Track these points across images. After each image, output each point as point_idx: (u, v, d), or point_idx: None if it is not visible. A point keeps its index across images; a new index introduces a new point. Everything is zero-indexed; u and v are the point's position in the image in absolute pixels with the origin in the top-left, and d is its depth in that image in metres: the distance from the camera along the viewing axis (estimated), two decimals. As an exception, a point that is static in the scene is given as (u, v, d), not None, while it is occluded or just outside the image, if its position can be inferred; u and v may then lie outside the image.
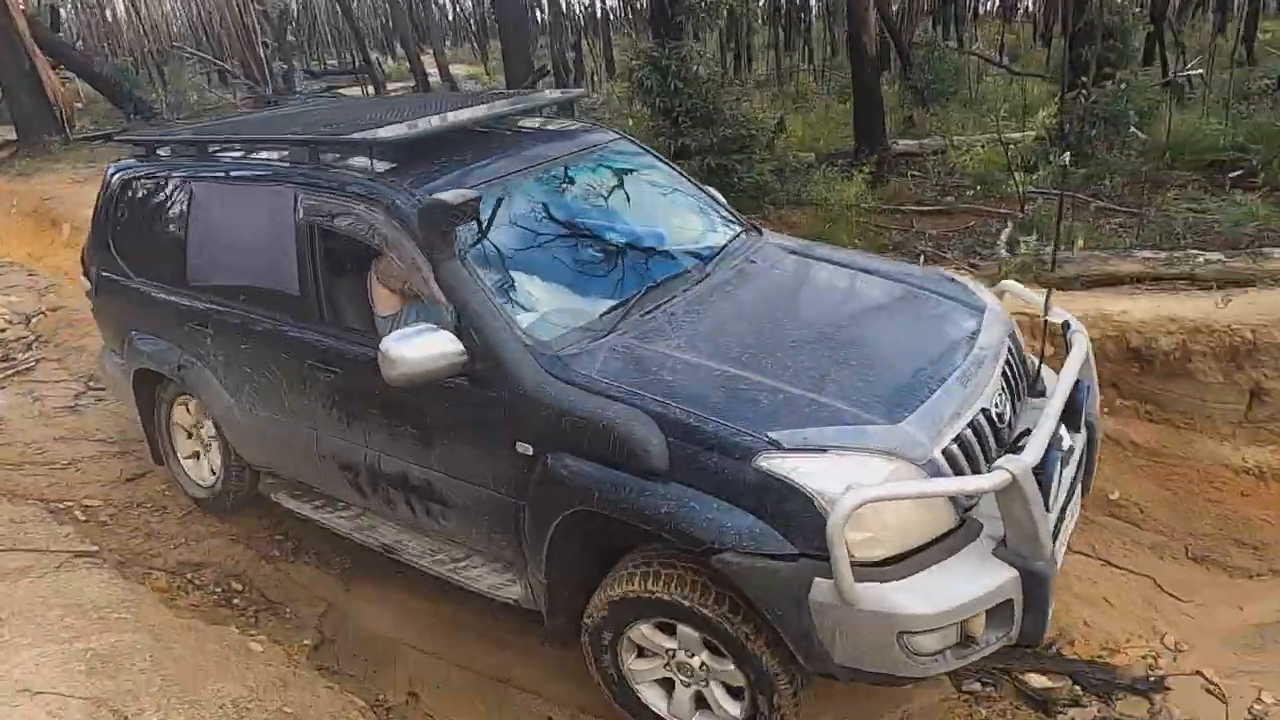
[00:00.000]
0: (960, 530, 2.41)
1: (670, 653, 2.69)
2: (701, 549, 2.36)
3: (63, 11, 21.93)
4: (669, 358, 2.70)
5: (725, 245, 3.46)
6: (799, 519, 2.27)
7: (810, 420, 2.41)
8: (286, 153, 3.41)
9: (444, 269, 2.82)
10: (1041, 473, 2.37)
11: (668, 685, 2.78)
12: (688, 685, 2.73)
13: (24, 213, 9.20)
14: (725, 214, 3.74)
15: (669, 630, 2.65)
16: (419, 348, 2.64)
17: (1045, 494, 2.37)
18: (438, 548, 3.25)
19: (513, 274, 2.97)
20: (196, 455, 4.25)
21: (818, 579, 2.25)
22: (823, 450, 2.33)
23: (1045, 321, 3.02)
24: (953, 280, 3.35)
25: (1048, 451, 2.43)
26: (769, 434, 2.34)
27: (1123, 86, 8.53)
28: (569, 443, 2.58)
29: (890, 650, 2.29)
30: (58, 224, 8.59)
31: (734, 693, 2.65)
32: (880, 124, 8.83)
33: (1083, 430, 2.90)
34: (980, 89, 12.67)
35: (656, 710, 2.79)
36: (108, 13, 26.00)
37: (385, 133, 3.07)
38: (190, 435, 4.23)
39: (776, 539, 2.29)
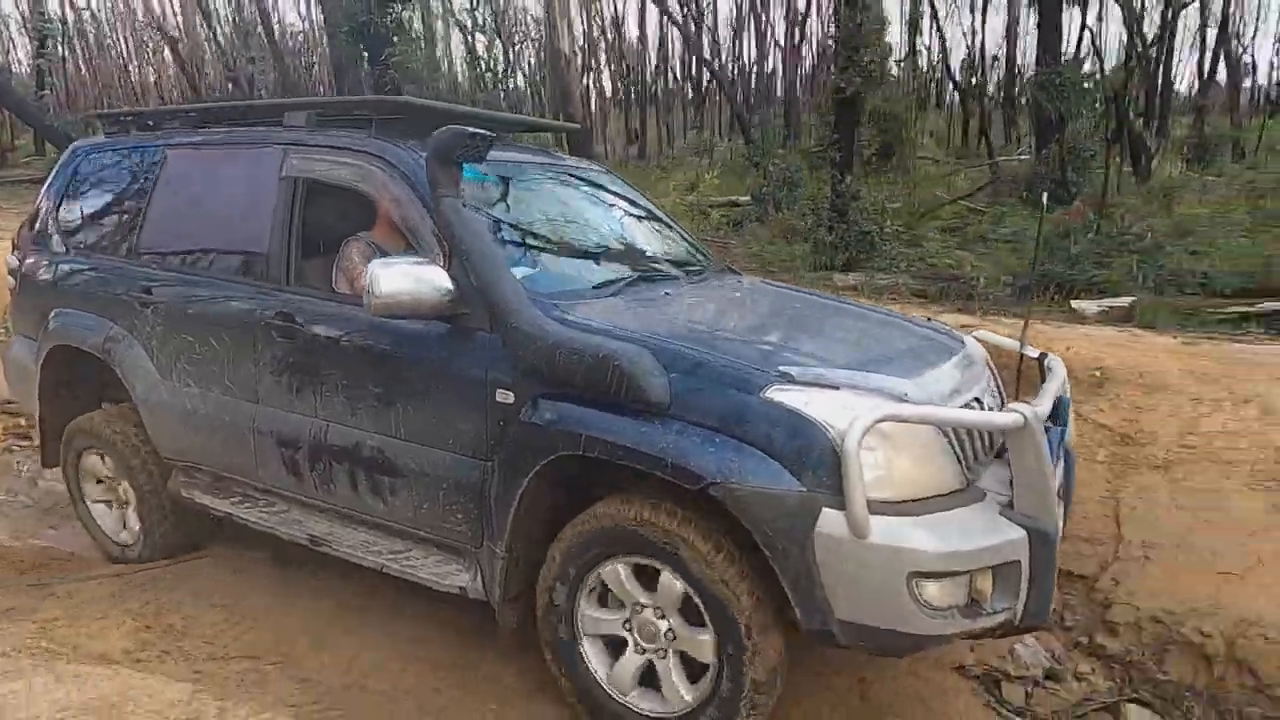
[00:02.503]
0: (966, 492, 2.35)
1: (638, 607, 2.50)
2: (702, 485, 2.25)
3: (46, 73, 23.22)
4: (670, 314, 2.77)
5: (708, 269, 3.66)
6: (809, 452, 2.19)
7: (821, 364, 2.41)
8: (289, 118, 3.41)
9: (445, 204, 2.71)
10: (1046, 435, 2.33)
11: (617, 648, 2.59)
12: (641, 652, 2.53)
13: None
14: (703, 251, 3.93)
15: (648, 582, 2.48)
16: (409, 275, 2.57)
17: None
18: (373, 539, 3.05)
19: (513, 235, 3.06)
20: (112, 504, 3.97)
21: (826, 509, 2.15)
22: (835, 387, 2.30)
23: (1021, 355, 3.09)
24: (929, 320, 3.53)
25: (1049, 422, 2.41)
26: (780, 368, 2.33)
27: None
28: (559, 382, 2.47)
29: (899, 598, 2.15)
30: None
31: (694, 674, 2.45)
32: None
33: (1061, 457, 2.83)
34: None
35: (593, 670, 2.58)
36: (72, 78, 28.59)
37: (401, 101, 3.30)
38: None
39: (784, 474, 2.20)
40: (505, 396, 2.56)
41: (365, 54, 11.73)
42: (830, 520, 2.14)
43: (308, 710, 2.49)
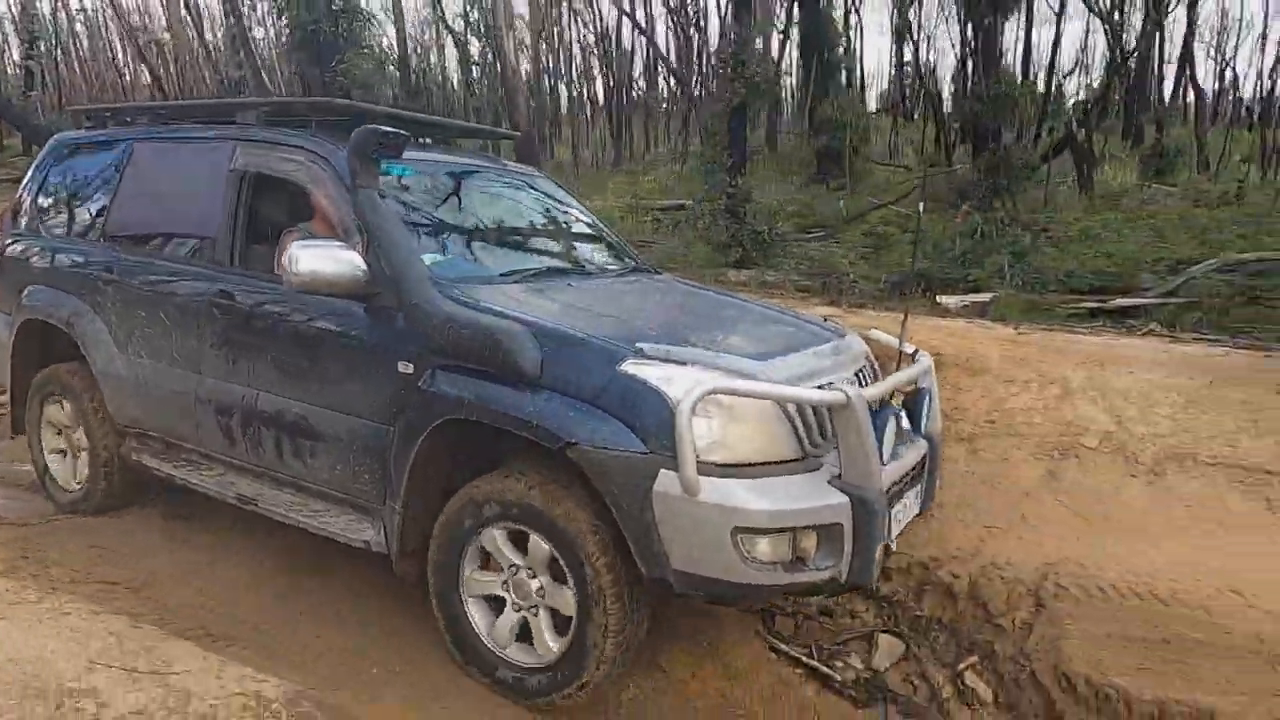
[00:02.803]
0: (801, 461, 2.59)
1: (514, 569, 2.78)
2: (560, 444, 2.52)
3: (36, 74, 23.75)
4: (559, 301, 3.04)
5: (625, 267, 3.97)
6: (652, 418, 2.43)
7: (678, 344, 2.67)
8: (241, 116, 3.70)
9: (362, 194, 3.03)
10: (875, 419, 2.58)
11: (497, 607, 2.87)
12: (517, 609, 2.81)
13: None
14: (629, 253, 4.21)
15: (521, 546, 2.75)
16: (324, 256, 2.87)
17: (879, 439, 2.59)
18: (296, 500, 3.35)
19: (428, 224, 3.36)
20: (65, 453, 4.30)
21: (663, 470, 2.39)
22: (682, 363, 2.56)
23: (901, 351, 3.30)
24: (808, 317, 3.70)
25: (882, 406, 2.70)
26: (636, 344, 2.59)
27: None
28: (450, 354, 2.76)
29: (726, 551, 2.38)
30: None
31: (561, 627, 2.72)
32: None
33: (920, 440, 3.09)
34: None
35: (476, 628, 2.86)
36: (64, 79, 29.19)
37: (335, 102, 3.62)
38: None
39: (630, 436, 2.45)
40: (406, 368, 2.85)
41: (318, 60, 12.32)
42: (667, 480, 2.39)
43: (137, 612, 2.90)
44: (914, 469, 3.00)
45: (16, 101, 19.66)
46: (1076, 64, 25.77)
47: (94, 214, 4.10)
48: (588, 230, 4.23)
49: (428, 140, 4.11)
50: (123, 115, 4.32)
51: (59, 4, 29.78)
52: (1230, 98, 31.10)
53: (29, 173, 4.57)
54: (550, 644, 2.71)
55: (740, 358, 2.69)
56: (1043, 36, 35.60)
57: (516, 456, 2.80)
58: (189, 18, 24.40)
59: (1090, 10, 18.14)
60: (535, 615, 2.75)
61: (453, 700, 2.79)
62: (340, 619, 3.24)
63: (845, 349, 3.18)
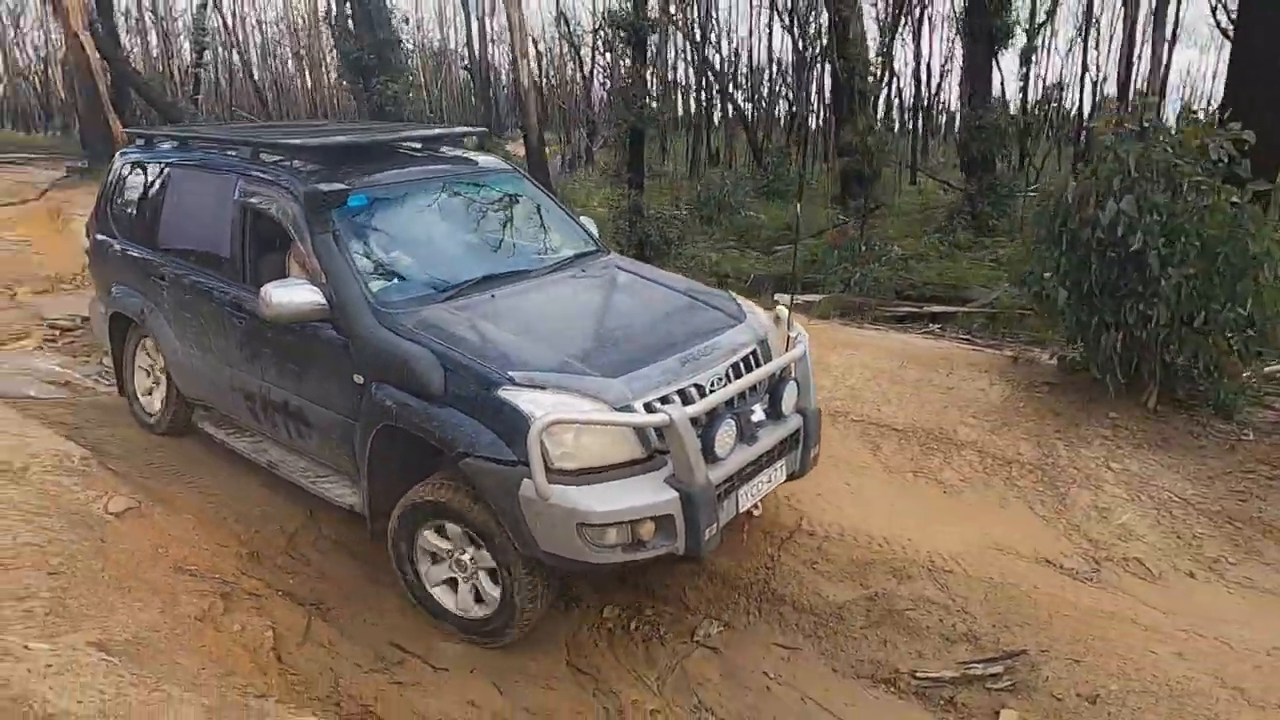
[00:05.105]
0: (646, 462, 3.10)
1: (449, 553, 3.38)
2: (454, 454, 3.07)
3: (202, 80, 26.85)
4: (470, 322, 3.40)
5: (569, 258, 4.28)
6: (520, 434, 2.91)
7: (546, 368, 3.11)
8: (239, 151, 4.23)
9: (318, 239, 3.60)
10: (709, 427, 3.13)
11: (453, 585, 3.46)
12: (466, 580, 3.40)
13: (48, 212, 12.80)
14: (585, 238, 4.55)
15: (443, 533, 3.35)
16: (288, 294, 3.40)
17: (709, 442, 3.10)
18: (307, 466, 4.02)
19: (377, 252, 3.76)
20: (150, 391, 5.04)
21: (526, 480, 2.92)
22: (543, 388, 3.03)
23: (788, 336, 3.79)
24: (730, 298, 4.06)
25: (717, 412, 3.19)
26: (510, 372, 3.07)
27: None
28: (383, 374, 3.33)
29: (574, 539, 2.94)
30: (60, 218, 12.12)
31: (494, 577, 3.30)
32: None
33: (792, 417, 3.60)
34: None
35: (448, 607, 3.45)
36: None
37: (298, 141, 4.03)
38: (149, 380, 5.04)
39: (504, 449, 2.98)
40: (359, 379, 3.43)
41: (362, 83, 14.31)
42: (529, 487, 2.91)
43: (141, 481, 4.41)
44: (778, 446, 3.52)
45: (184, 105, 22.08)
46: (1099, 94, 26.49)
47: (150, 225, 4.66)
48: (538, 223, 4.51)
49: (416, 148, 4.45)
50: (159, 139, 4.95)
51: (236, 20, 33.77)
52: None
53: (103, 182, 5.20)
54: (493, 594, 3.33)
55: (600, 378, 3.10)
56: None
57: (438, 465, 3.36)
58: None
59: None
60: (476, 578, 3.38)
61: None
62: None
63: (725, 343, 3.53)
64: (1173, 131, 4.90)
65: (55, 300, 8.80)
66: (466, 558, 3.36)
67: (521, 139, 16.30)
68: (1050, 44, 24.71)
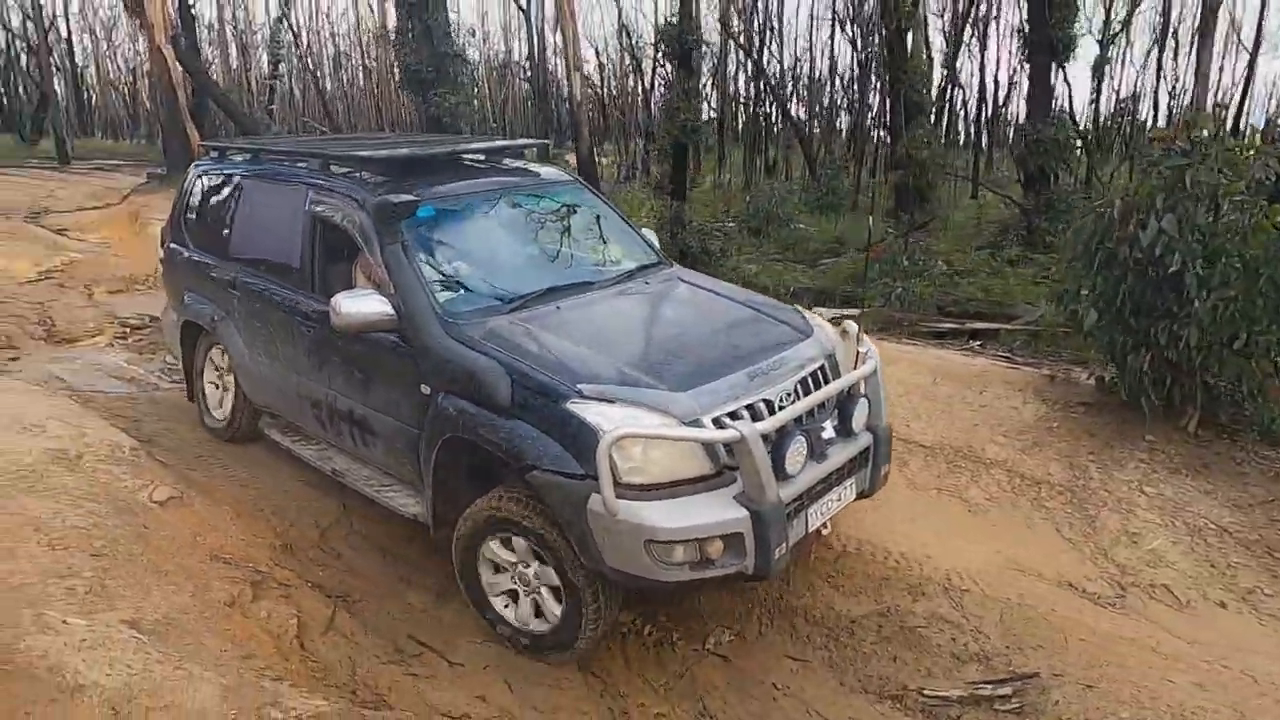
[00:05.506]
0: (716, 478, 3.03)
1: (513, 565, 3.35)
2: (521, 466, 3.04)
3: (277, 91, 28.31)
4: (536, 333, 3.40)
5: (632, 270, 4.24)
6: (587, 448, 2.88)
7: (614, 382, 3.07)
8: (309, 163, 4.31)
9: (388, 250, 3.62)
10: (779, 443, 3.05)
11: (513, 597, 3.44)
12: (527, 594, 3.37)
13: (128, 215, 13.61)
14: (647, 250, 4.53)
15: (509, 545, 3.32)
16: (358, 304, 3.44)
17: (780, 459, 3.03)
18: (371, 474, 4.04)
19: (444, 263, 3.77)
20: (220, 399, 5.08)
21: (594, 494, 2.87)
22: (612, 401, 2.98)
23: (858, 352, 3.72)
24: (796, 311, 3.99)
25: (787, 429, 3.10)
26: (578, 385, 3.04)
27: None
28: (450, 384, 3.33)
29: (642, 556, 2.89)
30: (138, 221, 12.85)
31: (558, 595, 3.26)
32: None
33: (862, 435, 3.54)
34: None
35: (506, 618, 3.45)
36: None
37: (366, 153, 4.07)
38: (218, 386, 5.11)
39: (572, 463, 2.95)
40: (425, 389, 3.43)
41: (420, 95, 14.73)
42: (597, 501, 2.86)
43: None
44: (848, 464, 3.46)
45: (260, 116, 23.36)
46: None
47: (222, 234, 4.73)
48: (600, 233, 4.50)
49: (479, 160, 4.51)
50: (232, 152, 5.04)
51: (310, 33, 35.61)
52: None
53: (178, 193, 5.32)
54: (555, 611, 3.30)
55: (668, 391, 3.05)
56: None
57: (502, 477, 3.35)
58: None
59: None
60: (539, 593, 3.35)
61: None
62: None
63: (793, 358, 3.47)
64: (1223, 148, 4.76)
65: (129, 299, 9.32)
66: (530, 573, 3.34)
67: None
68: (1126, 55, 23.98)
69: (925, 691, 3.36)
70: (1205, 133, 4.80)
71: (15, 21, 36.42)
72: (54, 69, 32.23)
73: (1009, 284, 9.87)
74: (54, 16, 34.85)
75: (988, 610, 3.73)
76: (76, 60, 41.09)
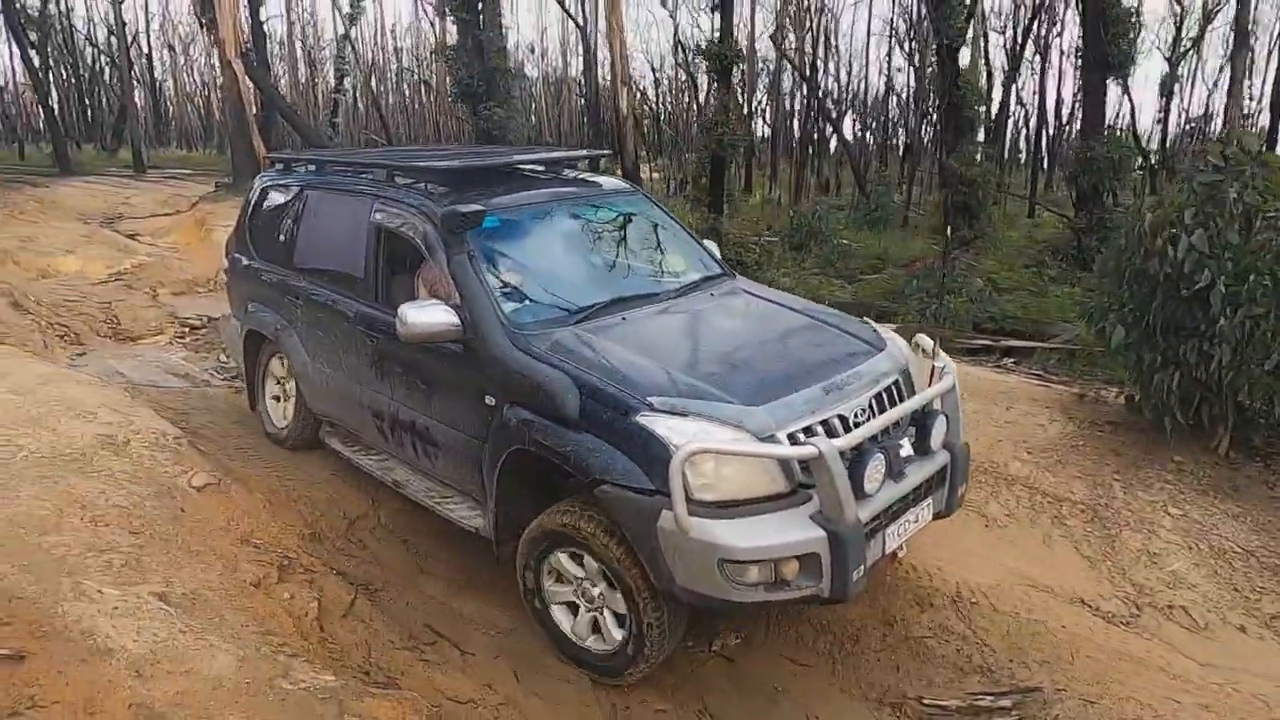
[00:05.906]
0: (791, 496, 2.90)
1: (579, 580, 3.28)
2: (590, 480, 2.96)
3: (341, 105, 28.75)
4: (603, 345, 3.33)
5: (697, 280, 4.18)
6: (658, 463, 2.79)
7: (685, 394, 2.98)
8: (373, 174, 4.32)
9: (454, 260, 3.59)
10: (857, 461, 2.92)
11: (573, 609, 3.39)
12: (589, 610, 3.30)
13: (195, 222, 14.35)
14: (709, 261, 4.46)
15: (579, 561, 3.25)
16: (424, 314, 3.40)
17: (858, 478, 2.89)
18: (432, 486, 4.00)
19: (509, 274, 3.74)
20: (283, 408, 5.12)
21: (665, 510, 2.77)
22: (684, 415, 2.89)
23: (933, 366, 3.56)
24: (867, 324, 3.91)
25: (864, 446, 2.97)
26: (648, 398, 2.95)
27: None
28: (515, 396, 3.28)
29: (714, 575, 2.78)
30: (204, 227, 13.61)
31: (620, 621, 3.20)
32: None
33: (940, 453, 3.40)
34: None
35: (562, 627, 3.41)
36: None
37: (430, 164, 4.08)
38: (279, 395, 5.15)
39: (642, 477, 2.86)
40: (490, 400, 3.39)
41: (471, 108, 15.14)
42: (668, 518, 2.77)
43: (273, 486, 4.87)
44: (925, 483, 3.32)
45: (324, 129, 24.11)
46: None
47: (286, 245, 4.76)
48: (662, 244, 4.46)
49: (540, 171, 4.53)
50: (297, 164, 5.11)
51: (375, 48, 37.02)
52: None
53: (243, 204, 5.36)
54: (615, 634, 3.23)
55: (741, 405, 2.95)
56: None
57: (571, 489, 3.30)
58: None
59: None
60: (601, 613, 3.28)
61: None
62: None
63: (867, 372, 3.36)
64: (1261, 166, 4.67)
65: (190, 300, 9.80)
66: (596, 592, 3.27)
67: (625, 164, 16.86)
68: (1198, 73, 23.30)
69: (925, 700, 3.37)
70: (1248, 150, 4.72)
71: (101, 37, 38.45)
72: (134, 82, 33.85)
73: (1050, 302, 9.73)
74: (136, 32, 36.80)
75: (995, 624, 3.72)
76: (156, 74, 43.25)
